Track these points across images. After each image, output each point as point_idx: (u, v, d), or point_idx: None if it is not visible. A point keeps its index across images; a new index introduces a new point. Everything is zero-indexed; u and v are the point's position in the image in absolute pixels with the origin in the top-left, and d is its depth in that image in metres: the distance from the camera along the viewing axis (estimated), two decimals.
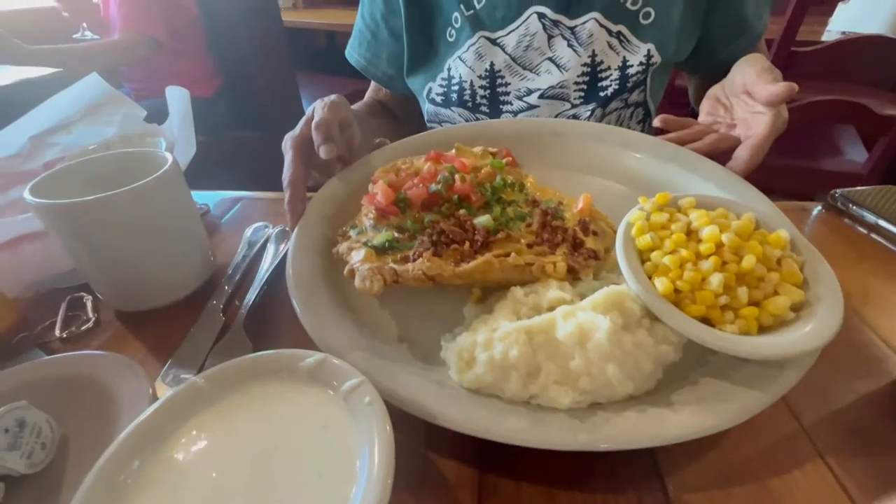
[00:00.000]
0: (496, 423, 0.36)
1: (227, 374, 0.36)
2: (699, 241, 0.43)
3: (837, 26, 2.03)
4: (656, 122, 0.63)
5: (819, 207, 0.72)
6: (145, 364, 0.47)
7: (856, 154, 1.68)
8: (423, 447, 0.39)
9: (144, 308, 0.53)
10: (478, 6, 0.77)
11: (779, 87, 0.55)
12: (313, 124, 0.54)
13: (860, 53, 1.43)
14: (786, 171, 1.65)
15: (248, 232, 0.67)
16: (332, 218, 0.55)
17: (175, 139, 0.69)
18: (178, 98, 0.70)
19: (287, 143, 0.57)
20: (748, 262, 0.40)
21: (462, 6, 0.77)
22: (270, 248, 0.62)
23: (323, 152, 0.53)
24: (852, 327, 0.50)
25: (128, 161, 0.54)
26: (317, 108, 0.56)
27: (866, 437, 0.39)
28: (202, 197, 0.78)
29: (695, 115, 0.74)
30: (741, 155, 0.57)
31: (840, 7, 2.01)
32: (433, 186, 0.51)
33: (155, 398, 0.39)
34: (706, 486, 0.36)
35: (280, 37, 2.06)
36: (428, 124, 0.90)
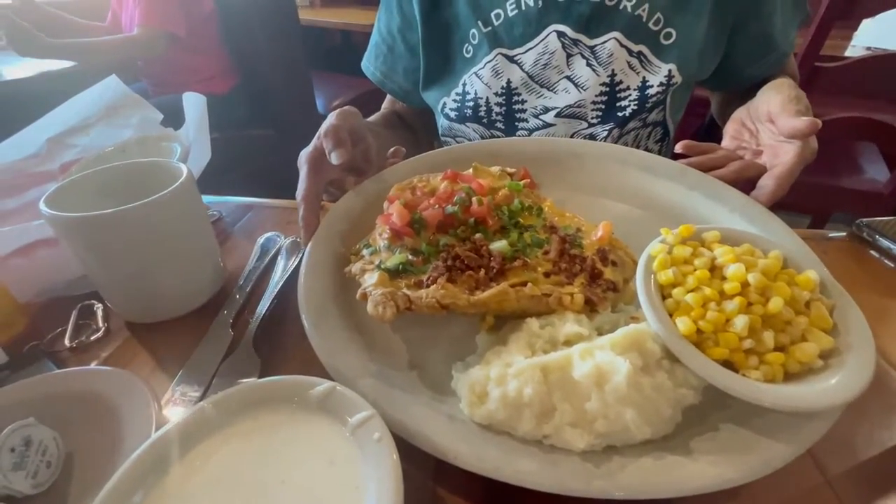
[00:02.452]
0: (508, 464, 0.35)
1: (235, 399, 0.36)
2: (723, 278, 0.41)
3: (863, 41, 1.98)
4: (678, 148, 0.61)
5: (843, 235, 0.70)
6: (153, 377, 0.46)
7: (878, 173, 1.64)
8: (433, 482, 0.38)
9: (155, 320, 0.52)
10: (496, 23, 0.76)
11: (802, 123, 0.53)
12: (321, 132, 0.54)
13: (885, 71, 1.40)
14: (806, 187, 1.61)
15: (261, 241, 0.66)
16: (345, 234, 0.55)
17: (190, 145, 0.69)
18: (194, 104, 0.70)
19: (301, 159, 0.56)
20: (775, 304, 0.38)
21: (480, 23, 0.76)
22: (281, 260, 0.62)
23: (334, 158, 0.52)
24: (878, 370, 0.48)
25: (142, 170, 0.53)
26: (327, 119, 0.56)
27: (892, 491, 0.37)
28: (215, 203, 0.78)
29: (711, 124, 0.72)
30: (767, 184, 0.55)
31: (865, 22, 1.97)
32: (449, 208, 0.50)
33: (161, 416, 0.38)
34: None
35: (296, 35, 2.05)
36: (442, 139, 0.89)
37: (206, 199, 0.78)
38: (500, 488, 0.35)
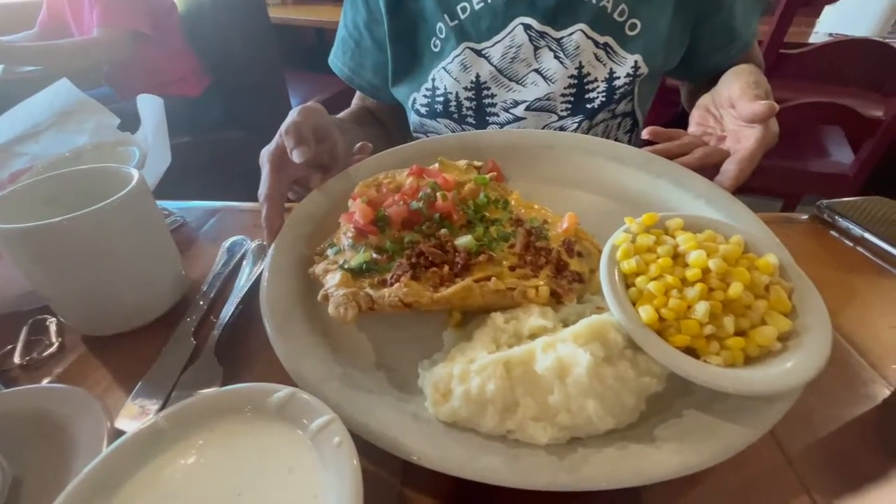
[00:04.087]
0: (471, 461, 0.34)
1: (189, 411, 0.34)
2: (686, 265, 0.41)
3: (825, 28, 2.03)
4: (644, 134, 0.62)
5: (806, 218, 0.71)
6: (110, 392, 0.45)
7: (843, 156, 1.69)
8: (400, 483, 0.38)
9: (112, 332, 0.50)
10: (462, 17, 0.75)
11: (760, 107, 0.54)
12: (283, 129, 0.53)
13: (848, 56, 1.44)
14: (773, 171, 1.66)
15: (226, 245, 0.64)
16: (310, 236, 0.53)
17: (149, 149, 0.66)
18: (151, 106, 0.67)
19: (263, 158, 0.55)
20: (735, 289, 0.39)
21: (446, 16, 0.75)
22: (247, 264, 0.60)
23: (296, 156, 0.51)
24: (838, 348, 0.49)
25: (92, 177, 0.51)
26: (289, 116, 0.55)
27: (852, 467, 0.38)
28: (178, 208, 0.75)
29: (684, 115, 0.72)
30: (729, 169, 0.56)
31: (827, 9, 2.01)
32: (414, 204, 0.50)
33: (115, 434, 0.37)
34: None
35: (268, 34, 2.01)
36: (414, 135, 0.88)
37: (169, 204, 0.76)
38: (469, 487, 0.35)
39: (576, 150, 0.62)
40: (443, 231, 0.48)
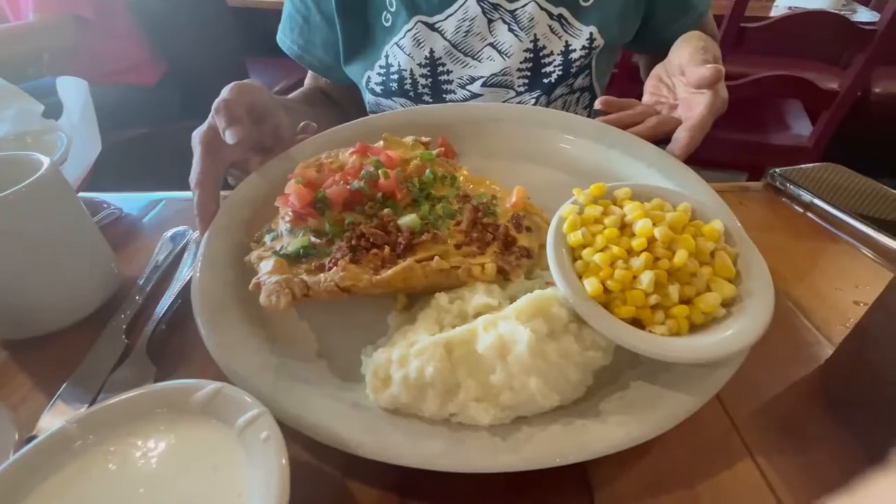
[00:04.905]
0: (412, 448, 0.33)
1: (103, 415, 0.32)
2: (633, 235, 0.40)
3: (785, 2, 2.06)
4: (597, 105, 0.60)
5: (760, 185, 0.72)
6: (30, 399, 0.41)
7: (802, 128, 1.72)
8: (343, 476, 0.36)
9: (34, 334, 0.47)
10: None
11: (707, 70, 0.53)
12: (214, 106, 0.49)
13: (805, 29, 1.44)
14: (735, 144, 1.68)
15: (167, 236, 0.61)
16: (248, 222, 0.50)
17: (74, 136, 0.61)
18: (73, 89, 0.62)
19: (195, 139, 0.51)
20: (680, 257, 0.38)
21: None
22: (188, 256, 0.57)
23: (229, 136, 0.48)
24: (785, 311, 0.49)
25: (3, 167, 0.47)
26: (221, 93, 0.51)
27: (795, 429, 0.38)
28: (117, 199, 0.70)
29: None
30: (681, 137, 0.55)
31: None
32: (355, 184, 0.47)
33: (21, 445, 0.34)
34: (636, 497, 0.34)
35: (225, 17, 1.91)
36: (370, 114, 0.85)
37: (109, 196, 0.71)
38: (415, 477, 0.34)
39: (527, 123, 0.60)
40: (386, 211, 0.46)
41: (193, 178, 0.49)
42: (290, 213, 0.46)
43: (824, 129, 1.55)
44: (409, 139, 0.55)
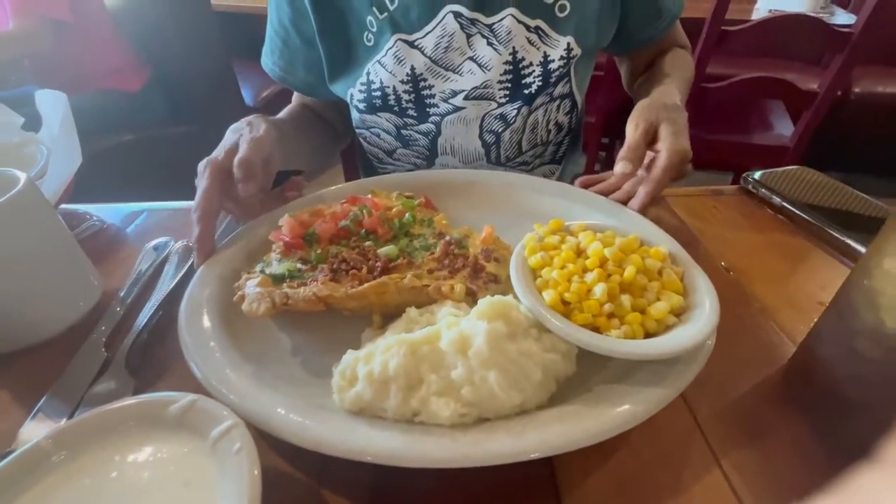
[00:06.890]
0: (372, 444, 0.33)
1: (77, 430, 0.32)
2: (587, 258, 0.45)
3: (766, 5, 2.11)
4: (577, 184, 0.66)
5: (734, 189, 0.74)
6: (6, 416, 0.42)
7: (784, 128, 1.77)
8: (318, 485, 0.36)
9: (10, 349, 0.47)
10: (392, 7, 0.74)
11: (617, 168, 0.59)
12: (236, 161, 0.54)
13: (786, 31, 1.48)
14: (719, 145, 1.74)
15: (149, 247, 0.62)
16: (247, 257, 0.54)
17: (54, 148, 0.62)
18: (53, 102, 0.63)
19: (205, 170, 0.54)
20: (629, 272, 0.42)
21: (375, 9, 0.74)
22: (170, 267, 0.58)
23: (242, 190, 0.53)
24: (752, 314, 0.50)
25: None
26: (241, 142, 0.56)
27: (757, 429, 0.38)
28: (99, 211, 0.72)
29: (630, 101, 0.76)
30: (640, 193, 0.59)
31: None
32: (343, 223, 0.53)
33: None
34: (600, 501, 0.33)
35: (211, 21, 1.85)
36: (357, 131, 0.88)
37: (89, 206, 0.72)
38: (388, 485, 0.35)
39: (499, 185, 0.67)
40: (367, 243, 0.51)
41: (197, 212, 0.52)
42: (280, 245, 0.51)
43: (805, 129, 1.57)
44: (394, 194, 0.63)
